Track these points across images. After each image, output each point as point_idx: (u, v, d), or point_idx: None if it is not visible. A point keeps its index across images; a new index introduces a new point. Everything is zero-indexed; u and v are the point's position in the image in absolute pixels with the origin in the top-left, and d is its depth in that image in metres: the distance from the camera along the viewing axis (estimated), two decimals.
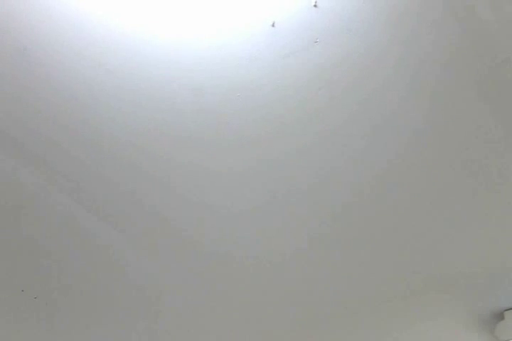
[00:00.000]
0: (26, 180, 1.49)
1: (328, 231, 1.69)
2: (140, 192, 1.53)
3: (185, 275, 1.82)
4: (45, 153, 1.43)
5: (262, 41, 1.23)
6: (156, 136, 1.40)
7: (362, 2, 1.17)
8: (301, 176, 1.51)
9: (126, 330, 2.08)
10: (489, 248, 1.79)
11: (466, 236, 1.74)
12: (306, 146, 1.45)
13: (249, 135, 1.41)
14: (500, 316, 2.10)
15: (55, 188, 1.51)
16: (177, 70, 1.27)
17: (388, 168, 1.51)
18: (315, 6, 1.17)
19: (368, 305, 2.05)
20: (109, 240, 1.67)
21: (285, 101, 1.34)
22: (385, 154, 1.47)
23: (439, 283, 1.94)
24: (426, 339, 2.33)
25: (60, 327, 2.03)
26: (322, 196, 1.58)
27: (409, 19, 1.20)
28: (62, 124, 1.37)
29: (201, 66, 1.27)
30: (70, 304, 1.91)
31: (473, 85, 1.31)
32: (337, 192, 1.57)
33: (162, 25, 1.20)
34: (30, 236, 1.64)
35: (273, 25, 1.20)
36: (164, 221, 1.62)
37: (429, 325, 2.21)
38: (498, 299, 2.02)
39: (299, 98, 1.33)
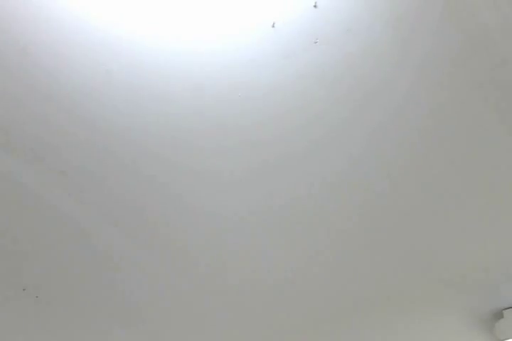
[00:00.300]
0: (27, 179, 1.49)
1: (328, 232, 1.70)
2: (139, 192, 1.54)
3: (185, 277, 1.83)
4: (44, 154, 1.43)
5: (261, 42, 1.23)
6: (156, 137, 1.41)
7: (362, 3, 1.18)
8: (301, 177, 1.52)
9: (128, 329, 2.08)
10: (488, 247, 1.79)
11: (465, 235, 1.74)
12: (306, 147, 1.45)
13: (249, 136, 1.42)
14: (499, 315, 2.11)
15: (56, 188, 1.52)
16: (177, 71, 1.28)
17: (389, 169, 1.51)
18: (315, 6, 1.18)
19: (366, 305, 2.06)
20: (110, 239, 1.67)
21: (285, 102, 1.34)
22: (386, 155, 1.48)
23: (438, 282, 1.94)
24: (425, 338, 2.34)
25: (61, 326, 2.03)
26: (323, 198, 1.58)
27: (410, 20, 1.20)
28: (62, 124, 1.37)
29: (201, 66, 1.27)
30: (71, 303, 1.91)
31: (473, 86, 1.32)
32: (337, 194, 1.58)
33: (161, 25, 1.20)
34: (31, 235, 1.64)
35: (273, 26, 1.21)
36: (165, 217, 1.63)
37: (428, 323, 2.22)
38: (498, 298, 2.02)
39: (299, 98, 1.33)
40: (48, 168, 1.46)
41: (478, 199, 1.61)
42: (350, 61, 1.26)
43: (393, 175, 1.53)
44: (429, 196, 1.59)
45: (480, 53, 1.25)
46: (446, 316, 2.17)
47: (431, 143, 1.45)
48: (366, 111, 1.37)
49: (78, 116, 1.35)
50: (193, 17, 1.19)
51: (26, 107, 1.33)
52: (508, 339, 2.04)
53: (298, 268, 1.85)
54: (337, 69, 1.28)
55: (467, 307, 2.09)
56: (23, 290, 1.82)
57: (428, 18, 1.20)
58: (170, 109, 1.35)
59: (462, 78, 1.30)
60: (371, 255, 1.80)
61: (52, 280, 1.81)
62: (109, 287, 1.85)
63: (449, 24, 1.20)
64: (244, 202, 1.57)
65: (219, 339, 2.20)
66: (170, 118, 1.37)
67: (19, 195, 1.54)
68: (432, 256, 1.82)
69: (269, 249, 1.76)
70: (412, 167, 1.51)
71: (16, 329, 2.03)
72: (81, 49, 1.23)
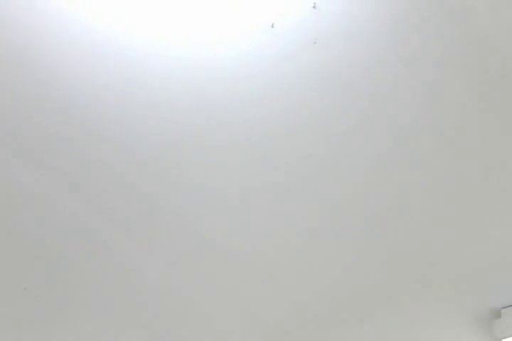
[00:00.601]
0: (28, 178, 1.50)
1: (325, 231, 1.71)
2: (141, 189, 1.55)
3: (188, 271, 1.83)
4: (46, 152, 1.44)
5: (261, 42, 1.24)
6: (158, 135, 1.41)
7: (361, 3, 1.18)
8: (300, 171, 1.53)
9: (128, 328, 2.09)
10: (487, 246, 1.80)
11: (464, 235, 1.75)
12: (304, 145, 1.46)
13: (249, 133, 1.42)
14: (497, 314, 2.11)
15: (58, 187, 1.52)
16: (177, 71, 1.28)
17: (386, 166, 1.52)
18: (314, 7, 1.18)
19: (365, 304, 2.06)
20: (112, 238, 1.68)
21: (284, 102, 1.35)
22: (383, 153, 1.48)
23: (437, 281, 1.94)
24: (423, 338, 2.34)
25: (62, 325, 2.03)
26: (321, 192, 1.59)
27: (408, 20, 1.21)
28: (62, 124, 1.38)
29: (200, 67, 1.28)
30: (72, 302, 1.92)
31: (473, 85, 1.32)
32: (334, 190, 1.58)
33: (161, 28, 1.20)
34: (32, 235, 1.65)
35: (272, 26, 1.21)
36: (165, 216, 1.63)
37: (426, 323, 2.22)
38: (495, 297, 2.03)
39: (297, 98, 1.34)
40: (48, 168, 1.47)
41: (477, 198, 1.62)
42: (349, 61, 1.27)
43: (391, 172, 1.54)
44: (429, 196, 1.60)
45: (479, 53, 1.26)
46: (445, 315, 2.17)
47: (430, 143, 1.45)
48: (364, 109, 1.37)
49: (79, 116, 1.36)
50: (192, 18, 1.20)
51: (25, 109, 1.34)
52: (506, 337, 2.04)
53: (297, 269, 1.85)
54: (336, 69, 1.29)
55: (465, 306, 2.09)
56: (24, 289, 1.82)
57: (426, 19, 1.21)
58: (170, 110, 1.35)
59: (461, 78, 1.31)
60: (370, 255, 1.80)
61: (53, 280, 1.82)
62: (110, 285, 1.86)
63: (447, 24, 1.21)
64: (242, 190, 1.57)
65: (220, 336, 2.21)
66: (170, 120, 1.37)
67: (20, 195, 1.54)
68: (430, 256, 1.82)
69: (269, 249, 1.76)
70: (411, 167, 1.52)
71: (17, 328, 2.04)
72: (81, 52, 1.23)
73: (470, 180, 1.56)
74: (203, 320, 2.08)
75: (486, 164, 1.51)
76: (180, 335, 2.18)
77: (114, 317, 2.01)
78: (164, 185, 1.54)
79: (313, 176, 1.54)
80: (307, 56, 1.26)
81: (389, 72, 1.30)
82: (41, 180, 1.50)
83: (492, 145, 1.47)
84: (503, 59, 1.27)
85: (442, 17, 1.20)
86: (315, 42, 1.24)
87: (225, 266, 1.82)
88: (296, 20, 1.20)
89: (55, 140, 1.41)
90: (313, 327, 2.20)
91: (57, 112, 1.35)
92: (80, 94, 1.32)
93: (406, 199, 1.61)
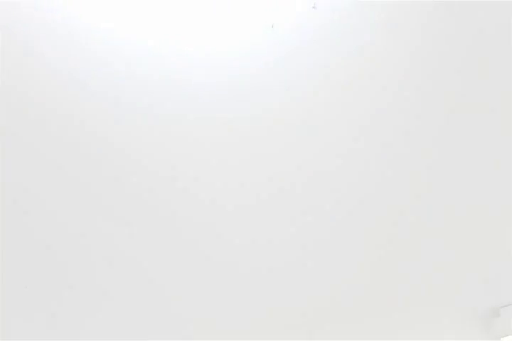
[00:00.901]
0: (29, 178, 1.50)
1: (325, 232, 1.71)
2: (140, 189, 1.55)
3: (187, 268, 1.84)
4: (46, 152, 1.44)
5: (261, 42, 1.24)
6: (157, 136, 1.42)
7: (361, 4, 1.18)
8: (299, 171, 1.53)
9: (128, 327, 2.09)
10: (486, 246, 1.80)
11: (462, 234, 1.75)
12: (303, 144, 1.46)
13: (248, 132, 1.43)
14: (496, 313, 2.12)
15: (58, 186, 1.53)
16: (176, 71, 1.29)
17: (386, 167, 1.52)
18: (314, 7, 1.19)
19: (365, 303, 2.06)
20: (112, 237, 1.68)
21: (283, 102, 1.35)
22: (385, 153, 1.48)
23: (436, 281, 1.95)
24: (423, 336, 2.34)
25: (62, 324, 2.04)
26: (321, 196, 1.59)
27: (408, 20, 1.21)
28: (63, 124, 1.38)
29: (200, 67, 1.28)
30: (72, 301, 1.92)
31: (473, 86, 1.33)
32: (335, 193, 1.59)
33: (161, 27, 1.21)
34: (33, 234, 1.65)
35: (272, 27, 1.22)
36: (166, 215, 1.64)
37: (426, 322, 2.23)
38: (495, 296, 2.03)
39: (297, 99, 1.34)
40: (49, 168, 1.47)
41: (478, 198, 1.62)
42: (349, 61, 1.27)
43: (391, 173, 1.54)
44: (427, 196, 1.60)
45: (479, 53, 1.26)
46: (444, 314, 2.17)
47: (433, 143, 1.45)
48: (363, 109, 1.38)
49: (79, 120, 1.37)
50: (192, 18, 1.20)
51: (28, 108, 1.34)
52: (505, 336, 2.05)
53: (299, 270, 1.86)
54: (335, 69, 1.29)
55: (465, 305, 2.10)
56: (25, 288, 1.83)
57: (427, 19, 1.21)
58: (169, 109, 1.36)
59: (462, 77, 1.31)
60: (372, 255, 1.81)
61: (54, 279, 1.82)
62: (111, 285, 1.86)
63: (448, 24, 1.21)
64: (241, 190, 1.58)
65: (223, 333, 2.21)
66: (169, 118, 1.38)
67: (21, 192, 1.54)
68: (430, 256, 1.83)
69: (270, 249, 1.77)
70: (411, 170, 1.52)
71: (17, 327, 2.04)
72: (81, 52, 1.24)
73: (468, 181, 1.56)
74: (202, 320, 2.09)
75: (486, 165, 1.52)
76: (181, 335, 2.18)
77: (114, 316, 2.01)
78: (164, 185, 1.54)
79: (313, 176, 1.54)
80: (307, 56, 1.26)
81: (389, 71, 1.30)
82: (42, 179, 1.50)
83: (494, 147, 1.47)
84: (503, 59, 1.27)
85: (442, 17, 1.20)
86: (315, 42, 1.24)
87: (225, 266, 1.82)
88: (296, 20, 1.20)
89: (56, 140, 1.41)
90: (313, 328, 2.20)
91: (57, 112, 1.35)
92: (82, 93, 1.32)
93: (407, 200, 1.61)
